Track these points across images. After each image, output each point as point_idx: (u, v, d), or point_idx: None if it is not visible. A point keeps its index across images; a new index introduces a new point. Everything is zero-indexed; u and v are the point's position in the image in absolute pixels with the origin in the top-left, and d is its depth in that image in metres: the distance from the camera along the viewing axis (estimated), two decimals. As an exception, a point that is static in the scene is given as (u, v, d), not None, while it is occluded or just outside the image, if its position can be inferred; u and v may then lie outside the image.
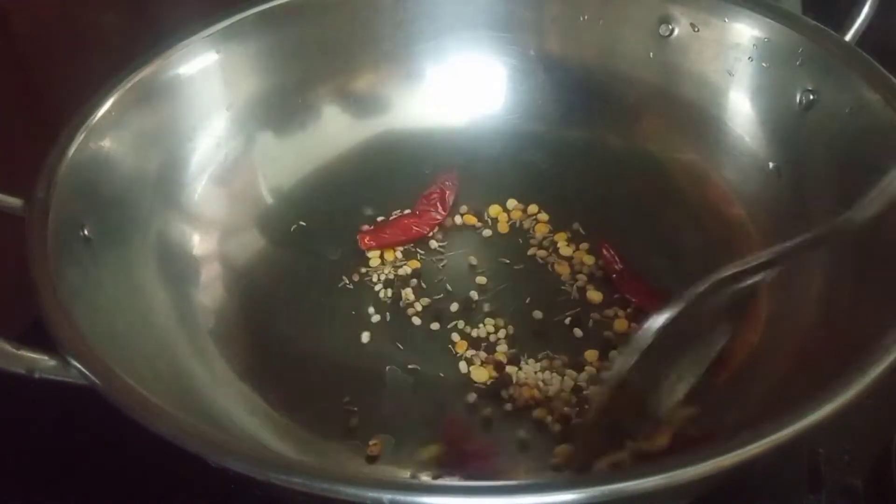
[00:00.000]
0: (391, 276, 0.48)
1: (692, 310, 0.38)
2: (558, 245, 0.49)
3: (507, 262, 0.49)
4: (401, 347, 0.45)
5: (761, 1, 0.48)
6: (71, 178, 0.40)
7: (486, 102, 0.55)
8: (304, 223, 0.51)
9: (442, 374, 0.44)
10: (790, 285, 0.43)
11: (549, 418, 0.41)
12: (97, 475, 0.43)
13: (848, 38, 0.46)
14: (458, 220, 0.51)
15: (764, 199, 0.47)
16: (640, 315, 0.44)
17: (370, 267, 0.49)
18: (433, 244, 0.50)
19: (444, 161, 0.53)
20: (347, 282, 0.48)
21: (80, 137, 0.42)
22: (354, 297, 0.48)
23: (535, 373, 0.43)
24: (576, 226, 0.50)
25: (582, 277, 0.47)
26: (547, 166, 0.53)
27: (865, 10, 0.47)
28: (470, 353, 0.44)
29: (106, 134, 0.43)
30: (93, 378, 0.32)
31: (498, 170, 0.53)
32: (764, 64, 0.47)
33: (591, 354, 0.44)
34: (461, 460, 0.39)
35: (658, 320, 0.37)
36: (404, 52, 0.54)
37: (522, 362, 0.44)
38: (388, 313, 0.47)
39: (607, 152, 0.53)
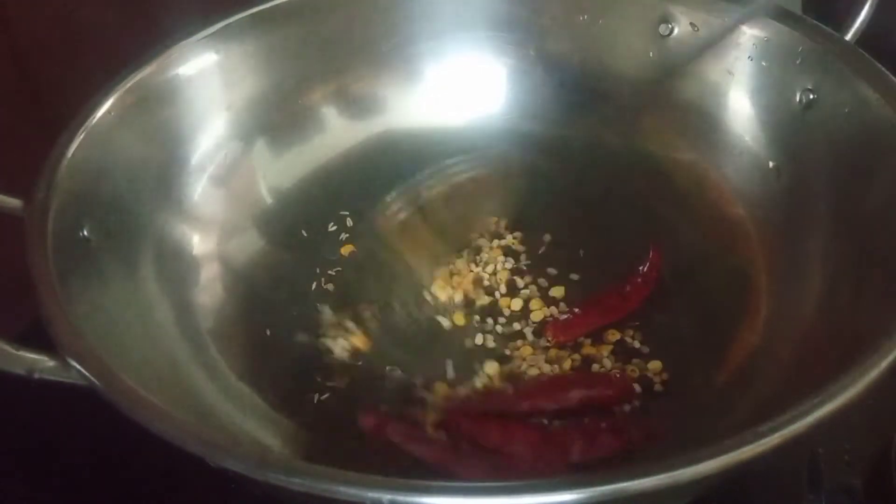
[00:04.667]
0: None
1: None
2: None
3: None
4: (400, 347, 0.45)
5: (761, 0, 0.48)
6: (71, 178, 0.40)
7: (486, 102, 0.55)
8: (303, 228, 0.51)
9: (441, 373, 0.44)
10: (790, 285, 0.43)
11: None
12: (97, 476, 0.43)
13: (848, 37, 0.46)
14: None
15: (764, 199, 0.47)
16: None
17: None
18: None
19: (443, 161, 0.53)
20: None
21: (80, 138, 0.42)
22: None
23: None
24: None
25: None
26: (547, 166, 0.53)
27: (865, 9, 0.46)
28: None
29: (106, 134, 0.43)
30: (92, 379, 0.32)
31: (497, 170, 0.53)
32: (764, 63, 0.47)
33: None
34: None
35: None
36: (403, 52, 0.54)
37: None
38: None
39: (607, 152, 0.53)
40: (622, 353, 0.44)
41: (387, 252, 0.50)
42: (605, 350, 0.44)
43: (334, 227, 0.51)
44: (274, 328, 0.46)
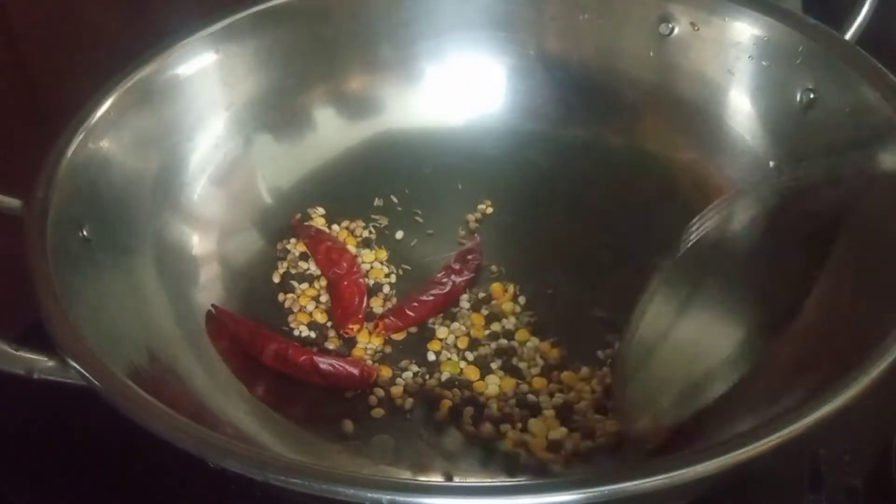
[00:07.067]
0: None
1: None
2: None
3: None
4: (399, 347, 0.45)
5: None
6: (70, 178, 0.40)
7: (486, 102, 0.55)
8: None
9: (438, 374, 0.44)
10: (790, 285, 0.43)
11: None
12: (96, 476, 0.43)
13: (848, 36, 0.46)
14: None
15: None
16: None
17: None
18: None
19: (443, 161, 0.53)
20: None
21: (79, 137, 0.42)
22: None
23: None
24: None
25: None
26: (547, 166, 0.53)
27: (865, 8, 0.47)
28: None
29: (105, 134, 0.43)
30: (92, 379, 0.32)
31: (497, 170, 0.53)
32: (764, 63, 0.47)
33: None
34: None
35: None
36: (403, 52, 0.54)
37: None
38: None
39: (607, 152, 0.53)
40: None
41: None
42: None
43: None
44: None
